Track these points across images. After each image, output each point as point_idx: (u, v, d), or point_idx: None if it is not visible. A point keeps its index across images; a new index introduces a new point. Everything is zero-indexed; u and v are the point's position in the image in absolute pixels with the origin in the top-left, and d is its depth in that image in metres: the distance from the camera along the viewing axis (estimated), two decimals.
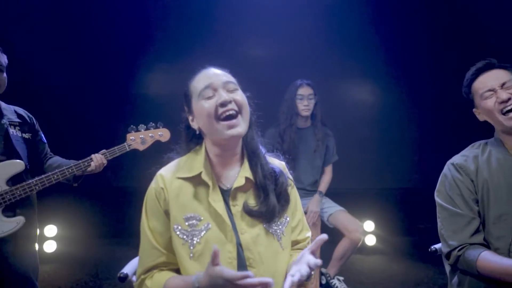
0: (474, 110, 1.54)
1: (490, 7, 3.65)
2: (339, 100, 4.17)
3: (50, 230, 3.70)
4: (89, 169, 1.96)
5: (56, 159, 2.03)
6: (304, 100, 2.75)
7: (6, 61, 1.86)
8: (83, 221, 3.84)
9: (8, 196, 1.77)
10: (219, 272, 0.99)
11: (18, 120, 1.91)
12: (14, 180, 1.80)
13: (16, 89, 2.00)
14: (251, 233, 1.18)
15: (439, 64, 3.83)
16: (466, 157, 1.49)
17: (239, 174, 1.21)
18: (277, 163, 1.32)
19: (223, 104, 1.14)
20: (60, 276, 3.22)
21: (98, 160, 1.96)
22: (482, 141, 1.55)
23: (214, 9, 3.97)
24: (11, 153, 1.81)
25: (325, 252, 2.88)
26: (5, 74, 1.84)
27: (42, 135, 2.04)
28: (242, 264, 1.16)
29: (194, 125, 1.22)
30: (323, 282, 2.79)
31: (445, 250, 1.45)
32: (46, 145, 2.06)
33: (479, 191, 1.43)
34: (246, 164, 1.23)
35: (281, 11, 4.03)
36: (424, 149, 4.02)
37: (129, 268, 1.31)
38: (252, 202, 1.20)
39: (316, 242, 1.07)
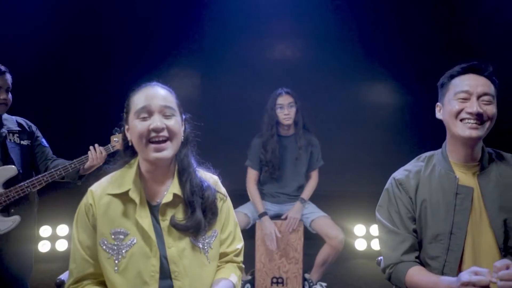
0: (437, 104, 1.46)
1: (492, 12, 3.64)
2: (335, 103, 4.18)
3: (62, 229, 3.79)
4: (87, 163, 2.12)
5: (57, 162, 2.22)
6: (285, 109, 2.78)
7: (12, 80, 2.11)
8: None
9: (3, 198, 1.98)
10: None
11: (17, 128, 2.13)
12: (10, 183, 2.00)
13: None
14: (178, 247, 1.24)
15: (439, 68, 3.83)
16: (409, 172, 1.45)
17: (168, 190, 1.27)
18: (208, 177, 1.37)
19: (155, 130, 1.20)
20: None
21: (94, 153, 2.12)
22: (429, 153, 1.51)
23: (209, 10, 4.03)
24: (6, 159, 2.03)
25: (308, 257, 2.93)
26: (10, 94, 2.09)
27: (43, 140, 2.24)
28: (167, 277, 1.23)
29: (128, 135, 1.28)
30: (306, 287, 2.82)
31: (382, 266, 1.48)
32: (48, 148, 2.25)
33: (417, 209, 1.41)
34: (176, 180, 1.29)
35: (279, 12, 4.07)
36: (417, 153, 4.00)
37: (66, 276, 1.37)
38: (179, 217, 1.26)
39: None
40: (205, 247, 1.27)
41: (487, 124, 1.33)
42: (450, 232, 1.33)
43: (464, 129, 1.33)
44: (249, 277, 2.85)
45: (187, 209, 1.26)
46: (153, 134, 1.20)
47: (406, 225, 1.40)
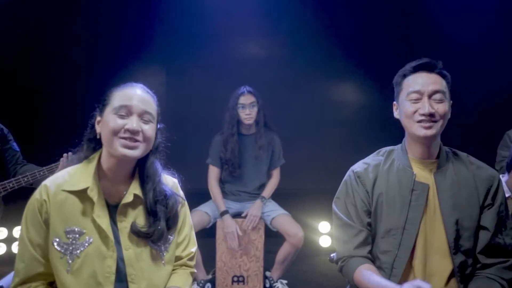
0: (394, 102, 1.47)
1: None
2: (299, 101, 4.21)
3: (18, 231, 3.68)
4: (58, 171, 1.99)
5: (26, 167, 2.15)
6: (246, 108, 2.76)
7: None
8: None
9: None
10: None
11: None
12: None
13: None
14: (136, 249, 1.22)
15: (400, 66, 3.90)
16: (368, 165, 1.46)
17: (128, 190, 1.24)
18: (169, 181, 1.35)
19: (130, 131, 1.18)
20: None
21: (66, 160, 2.00)
22: (389, 148, 1.52)
23: (175, 7, 3.98)
24: None
25: (270, 255, 2.93)
26: None
27: (14, 144, 2.17)
28: (122, 279, 1.20)
29: (98, 128, 1.24)
30: (267, 285, 2.82)
31: (334, 257, 1.49)
32: (18, 153, 2.18)
33: (373, 203, 1.41)
34: (136, 181, 1.26)
35: (244, 10, 4.05)
36: None
37: (6, 281, 1.30)
38: (140, 223, 1.23)
39: None
40: (162, 250, 1.26)
41: (441, 122, 1.34)
42: (403, 228, 1.34)
43: (419, 129, 1.34)
44: (210, 277, 2.82)
45: (149, 216, 1.24)
46: (126, 135, 1.18)
47: (361, 218, 1.41)
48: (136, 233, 1.21)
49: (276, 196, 3.02)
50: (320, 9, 4.12)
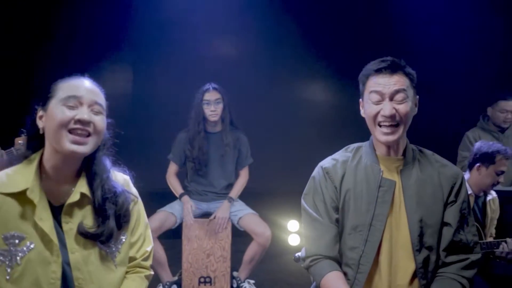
0: (360, 100, 1.45)
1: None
2: (269, 101, 4.20)
3: None
4: None
5: None
6: (211, 105, 2.73)
7: None
8: None
9: None
10: None
11: None
12: None
13: None
14: (82, 252, 1.15)
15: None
16: (336, 161, 1.46)
17: (74, 189, 1.17)
18: (120, 178, 1.29)
19: (80, 122, 1.11)
20: None
21: None
22: (357, 144, 1.52)
23: (142, 4, 3.90)
24: None
25: (239, 255, 2.91)
26: None
27: None
28: (69, 285, 1.13)
29: (40, 123, 1.16)
30: (234, 286, 2.80)
31: (302, 255, 1.47)
32: None
33: (341, 199, 1.41)
34: (83, 179, 1.19)
35: (214, 8, 4.00)
36: None
37: None
38: (88, 223, 1.16)
39: None
40: (113, 252, 1.20)
41: (403, 125, 1.34)
42: (370, 224, 1.35)
43: (380, 135, 1.35)
44: (176, 278, 2.77)
45: (98, 216, 1.17)
46: (76, 126, 1.10)
47: (330, 215, 1.40)
48: (83, 234, 1.14)
49: (246, 196, 3.00)
50: (290, 8, 4.13)
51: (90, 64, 3.75)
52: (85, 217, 1.17)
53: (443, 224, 1.37)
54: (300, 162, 4.09)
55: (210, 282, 2.76)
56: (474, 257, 1.37)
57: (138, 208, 1.30)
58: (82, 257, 1.14)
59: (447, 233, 1.36)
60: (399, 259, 1.35)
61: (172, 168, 2.85)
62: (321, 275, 1.35)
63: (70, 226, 1.14)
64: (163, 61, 4.03)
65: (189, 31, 3.99)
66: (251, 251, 2.70)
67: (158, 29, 3.93)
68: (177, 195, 2.78)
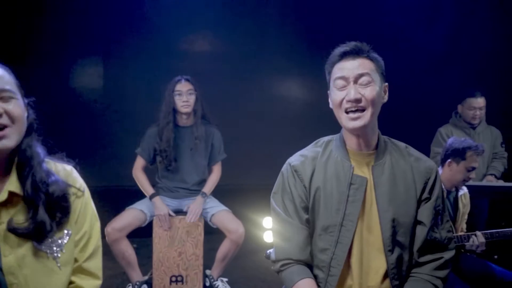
0: (328, 92, 1.38)
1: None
2: (244, 96, 4.16)
3: None
4: None
5: None
6: (183, 96, 2.65)
7: None
8: None
9: None
10: None
11: None
12: None
13: None
14: (17, 254, 1.03)
15: None
16: (305, 158, 1.38)
17: (3, 188, 1.05)
18: (60, 169, 1.17)
19: None
20: None
21: None
22: (327, 138, 1.44)
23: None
24: None
25: (209, 253, 2.84)
26: None
27: None
28: None
29: None
30: (207, 284, 2.73)
31: (273, 257, 1.40)
32: None
33: (310, 198, 1.34)
34: (13, 176, 1.07)
35: (188, 1, 3.92)
36: None
37: None
38: (20, 219, 1.05)
39: None
40: (55, 251, 1.08)
41: (370, 110, 1.26)
42: (341, 224, 1.29)
43: (347, 121, 1.28)
44: (146, 278, 2.68)
45: (28, 209, 1.05)
46: None
47: (300, 215, 1.33)
48: (13, 231, 1.03)
49: (219, 192, 2.93)
50: (264, 3, 4.09)
51: (61, 57, 3.65)
52: (16, 214, 1.06)
53: (417, 222, 1.32)
54: (274, 157, 4.04)
55: (182, 281, 2.68)
56: (447, 255, 1.33)
57: (83, 202, 1.17)
58: (16, 260, 1.03)
59: (421, 232, 1.31)
60: (371, 260, 1.30)
61: (139, 163, 2.75)
62: (292, 281, 1.29)
63: (2, 227, 1.03)
64: (135, 55, 3.93)
65: (161, 25, 3.90)
66: (224, 248, 2.64)
67: (130, 23, 3.83)
68: (147, 195, 2.67)
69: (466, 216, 2.31)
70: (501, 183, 3.00)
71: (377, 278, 1.30)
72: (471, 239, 2.13)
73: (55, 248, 1.08)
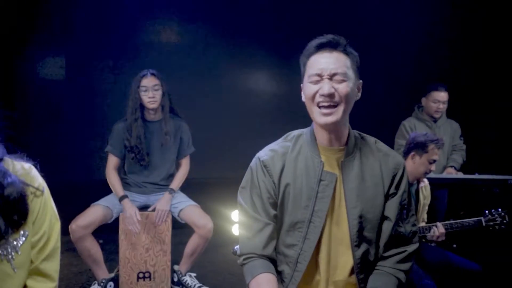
0: (301, 85, 1.36)
1: None
2: (213, 90, 4.13)
3: None
4: None
5: None
6: (149, 91, 2.59)
7: None
8: None
9: None
10: None
11: None
12: None
13: None
14: None
15: None
16: (275, 153, 1.35)
17: None
18: (19, 168, 1.11)
19: None
20: None
21: None
22: (297, 132, 1.42)
23: None
24: None
25: (178, 248, 2.82)
26: None
27: None
28: None
29: None
30: (175, 279, 2.71)
31: (238, 251, 1.40)
32: None
33: (279, 194, 1.33)
34: None
35: None
36: None
37: None
38: None
39: None
40: (9, 253, 1.02)
41: (343, 106, 1.25)
42: (309, 220, 1.28)
43: (319, 116, 1.27)
44: (113, 275, 2.63)
45: None
46: None
47: (268, 211, 1.33)
48: None
49: (188, 187, 2.90)
50: None
51: (21, 49, 3.48)
52: None
53: (383, 218, 1.33)
54: (243, 151, 4.06)
55: (149, 277, 2.65)
56: (411, 248, 1.35)
57: (42, 202, 1.12)
58: None
59: (387, 227, 1.32)
60: (338, 255, 1.31)
61: (112, 161, 2.67)
62: (252, 274, 1.28)
63: None
64: (99, 47, 3.82)
65: (127, 17, 3.80)
66: (193, 244, 2.62)
67: (94, 14, 3.72)
68: (117, 196, 2.60)
69: (426, 208, 2.40)
70: (460, 175, 3.13)
71: (344, 273, 1.32)
72: (432, 230, 2.21)
73: (10, 250, 1.03)
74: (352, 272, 1.32)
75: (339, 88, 1.25)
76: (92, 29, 3.75)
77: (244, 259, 1.33)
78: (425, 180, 2.39)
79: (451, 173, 3.15)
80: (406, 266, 1.33)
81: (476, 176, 2.82)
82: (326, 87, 1.24)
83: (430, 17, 3.92)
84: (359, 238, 1.29)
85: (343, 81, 1.25)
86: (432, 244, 2.41)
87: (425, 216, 2.40)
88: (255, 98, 4.23)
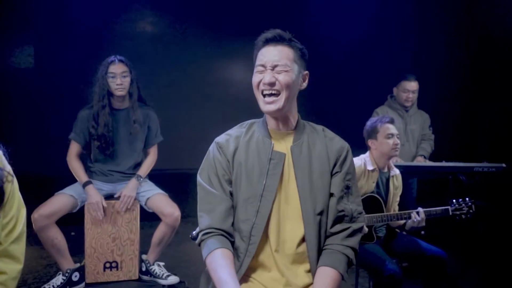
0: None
1: None
2: (186, 79, 4.09)
3: None
4: None
5: None
6: (117, 78, 2.54)
7: None
8: None
9: None
10: None
11: None
12: None
13: None
14: None
15: None
16: (229, 136, 1.49)
17: None
18: None
19: None
20: None
21: None
22: (251, 121, 1.56)
23: None
24: None
25: (146, 238, 2.79)
26: None
27: None
28: None
29: None
30: (143, 269, 2.67)
31: (197, 229, 1.43)
32: None
33: (233, 172, 1.44)
34: None
35: None
36: None
37: None
38: None
39: None
40: None
41: (284, 94, 1.38)
42: (261, 195, 1.38)
43: (263, 105, 1.41)
44: (78, 265, 2.58)
45: None
46: None
47: (224, 187, 1.42)
48: None
49: (157, 177, 2.87)
50: None
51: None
52: None
53: (330, 194, 1.43)
54: (211, 141, 4.07)
55: (116, 267, 2.61)
56: (356, 226, 1.43)
57: (12, 187, 1.16)
58: None
59: (332, 203, 1.42)
60: (287, 230, 1.40)
61: (74, 148, 2.61)
62: (210, 249, 1.32)
63: None
64: (69, 34, 3.74)
65: (101, 6, 3.72)
66: (160, 232, 2.58)
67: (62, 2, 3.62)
68: (81, 182, 2.55)
69: (397, 198, 2.38)
70: (429, 163, 3.18)
71: (293, 247, 1.39)
72: (412, 215, 2.21)
73: None
74: (299, 246, 1.40)
75: (279, 77, 1.38)
76: (63, 17, 3.66)
77: (203, 235, 1.38)
78: (396, 170, 2.40)
79: (421, 162, 3.19)
80: (352, 241, 1.41)
81: (444, 163, 2.85)
82: (267, 76, 1.38)
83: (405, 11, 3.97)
84: (308, 214, 1.38)
85: (284, 71, 1.38)
86: (401, 232, 2.42)
87: (396, 207, 2.37)
88: (225, 88, 4.22)
